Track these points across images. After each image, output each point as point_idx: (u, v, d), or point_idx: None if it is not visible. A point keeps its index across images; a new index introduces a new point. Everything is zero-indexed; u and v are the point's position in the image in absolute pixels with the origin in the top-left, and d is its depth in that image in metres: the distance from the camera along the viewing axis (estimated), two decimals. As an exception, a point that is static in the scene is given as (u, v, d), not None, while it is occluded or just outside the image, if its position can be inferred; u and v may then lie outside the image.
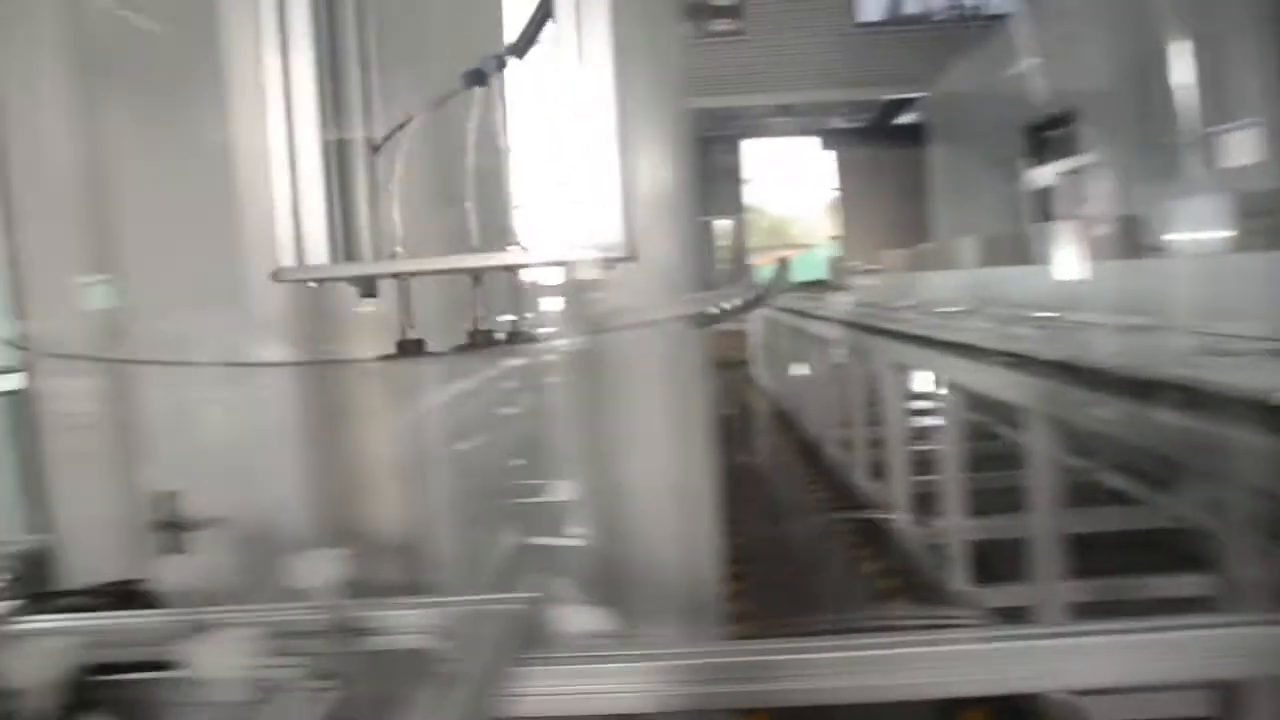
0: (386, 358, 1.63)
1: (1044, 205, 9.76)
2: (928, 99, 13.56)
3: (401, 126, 1.59)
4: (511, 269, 1.67)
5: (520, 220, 1.76)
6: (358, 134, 1.59)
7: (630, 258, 1.63)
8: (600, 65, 1.60)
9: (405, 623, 1.44)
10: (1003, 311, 5.12)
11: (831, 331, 8.09)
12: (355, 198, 1.59)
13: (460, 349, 1.66)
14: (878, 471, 7.11)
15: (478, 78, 1.59)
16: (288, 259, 1.56)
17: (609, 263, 1.64)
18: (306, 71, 1.54)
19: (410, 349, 1.61)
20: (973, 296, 6.24)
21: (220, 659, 1.09)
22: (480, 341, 1.64)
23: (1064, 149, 9.25)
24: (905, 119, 15.11)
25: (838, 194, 16.68)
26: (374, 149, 1.60)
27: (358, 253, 1.59)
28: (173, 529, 2.38)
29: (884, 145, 15.28)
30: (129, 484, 2.81)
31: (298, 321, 2.14)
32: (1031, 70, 9.16)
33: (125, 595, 2.05)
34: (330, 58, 1.56)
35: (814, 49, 12.72)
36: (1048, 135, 9.46)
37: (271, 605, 1.54)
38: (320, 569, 1.32)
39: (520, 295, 1.77)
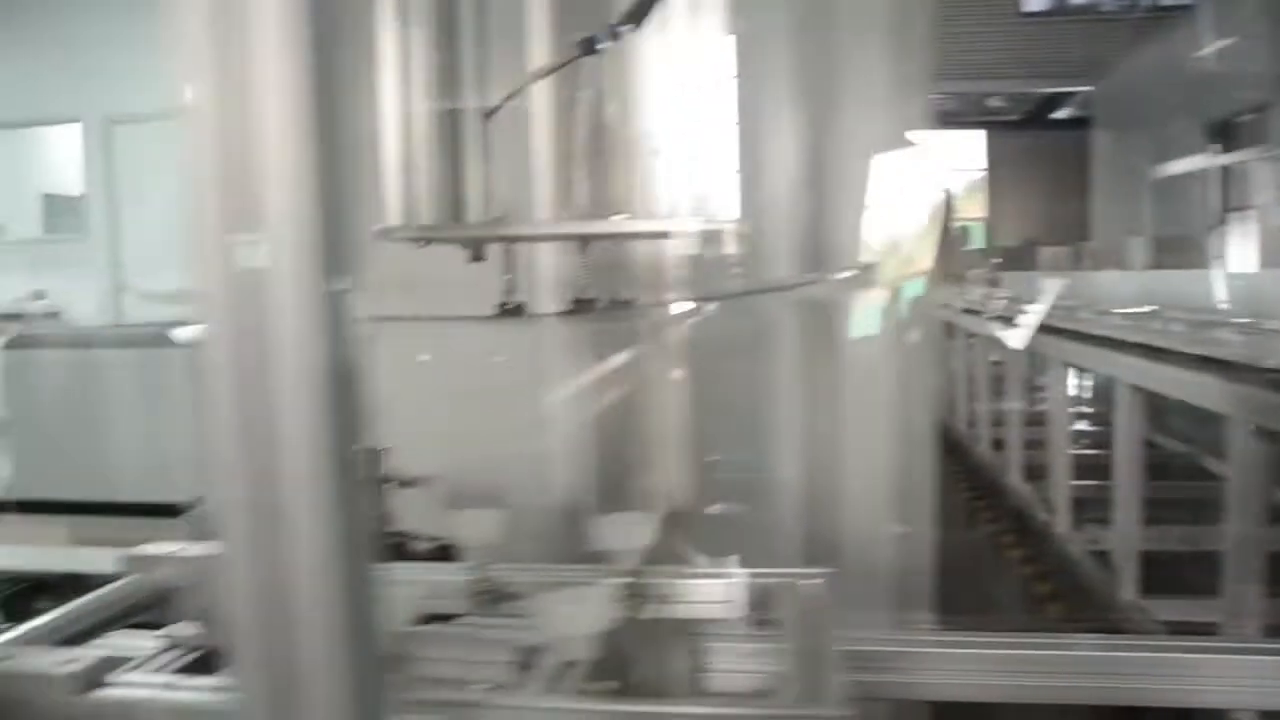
0: (488, 318, 1.63)
1: (1225, 202, 9.26)
2: (1095, 91, 13.04)
3: (515, 94, 1.57)
4: (617, 237, 1.67)
5: (638, 189, 1.74)
6: (470, 101, 1.58)
7: (737, 231, 1.61)
8: (714, 38, 1.59)
9: (692, 592, 1.45)
10: (1191, 316, 4.92)
11: (987, 329, 7.88)
12: (465, 163, 1.58)
13: (560, 314, 1.66)
14: (1031, 473, 6.94)
15: (589, 46, 1.57)
16: (395, 219, 1.57)
17: (715, 234, 1.62)
18: (422, 37, 1.53)
19: (512, 312, 1.61)
20: (1151, 298, 6.02)
21: (573, 618, 1.12)
22: (581, 308, 1.63)
23: (1254, 137, 8.69)
24: (1063, 113, 14.61)
25: (984, 177, 16.14)
26: (487, 115, 1.58)
27: (465, 216, 1.58)
28: (380, 485, 2.47)
29: (1039, 139, 14.78)
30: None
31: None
32: (1219, 56, 8.69)
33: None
34: (447, 23, 1.55)
35: (976, 39, 12.35)
36: (1235, 122, 8.91)
37: (558, 566, 1.58)
38: (625, 533, 1.35)
39: (626, 263, 1.76)
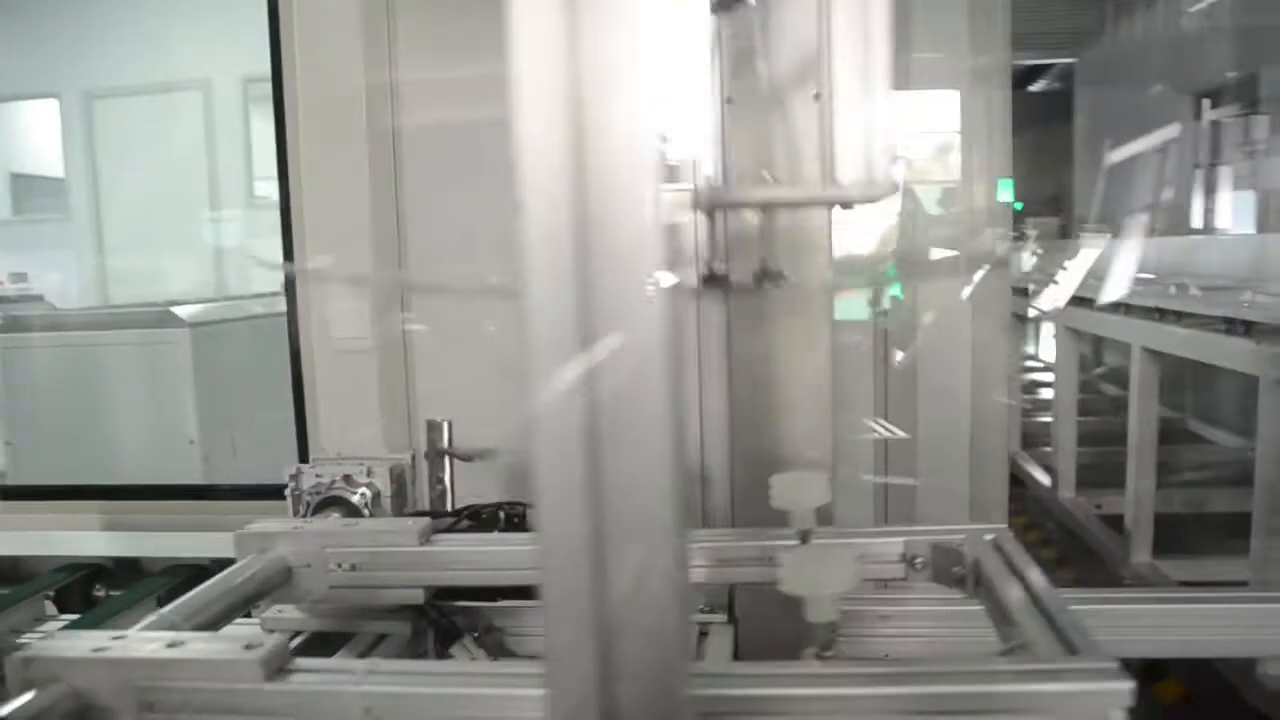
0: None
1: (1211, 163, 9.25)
2: (1078, 62, 13.07)
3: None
4: (764, 205, 1.64)
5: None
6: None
7: (890, 192, 1.59)
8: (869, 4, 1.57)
9: (868, 551, 1.43)
10: (1204, 281, 4.97)
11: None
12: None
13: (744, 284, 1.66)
14: (1027, 441, 7.04)
15: (728, 2, 1.56)
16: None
17: (860, 201, 1.61)
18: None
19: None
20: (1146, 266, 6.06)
21: (821, 578, 1.09)
22: (762, 277, 1.63)
23: (1241, 95, 8.66)
24: (1042, 84, 14.66)
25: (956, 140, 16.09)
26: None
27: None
28: (443, 458, 2.44)
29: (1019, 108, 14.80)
30: (400, 411, 2.89)
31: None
32: (1206, 14, 8.69)
33: (473, 517, 2.11)
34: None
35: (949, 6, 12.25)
36: (1223, 84, 8.86)
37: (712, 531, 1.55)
38: (802, 492, 1.32)
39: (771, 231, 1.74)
